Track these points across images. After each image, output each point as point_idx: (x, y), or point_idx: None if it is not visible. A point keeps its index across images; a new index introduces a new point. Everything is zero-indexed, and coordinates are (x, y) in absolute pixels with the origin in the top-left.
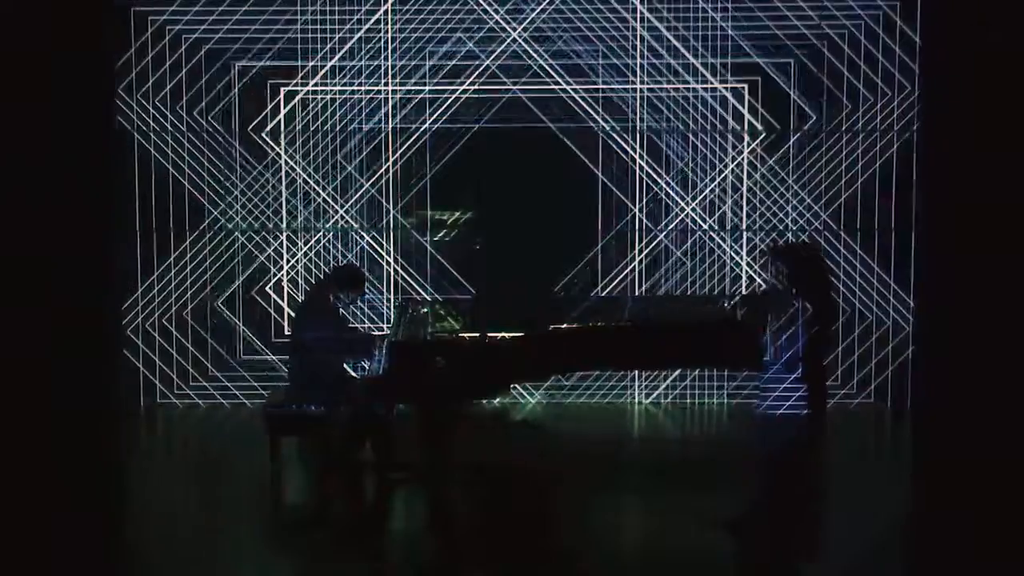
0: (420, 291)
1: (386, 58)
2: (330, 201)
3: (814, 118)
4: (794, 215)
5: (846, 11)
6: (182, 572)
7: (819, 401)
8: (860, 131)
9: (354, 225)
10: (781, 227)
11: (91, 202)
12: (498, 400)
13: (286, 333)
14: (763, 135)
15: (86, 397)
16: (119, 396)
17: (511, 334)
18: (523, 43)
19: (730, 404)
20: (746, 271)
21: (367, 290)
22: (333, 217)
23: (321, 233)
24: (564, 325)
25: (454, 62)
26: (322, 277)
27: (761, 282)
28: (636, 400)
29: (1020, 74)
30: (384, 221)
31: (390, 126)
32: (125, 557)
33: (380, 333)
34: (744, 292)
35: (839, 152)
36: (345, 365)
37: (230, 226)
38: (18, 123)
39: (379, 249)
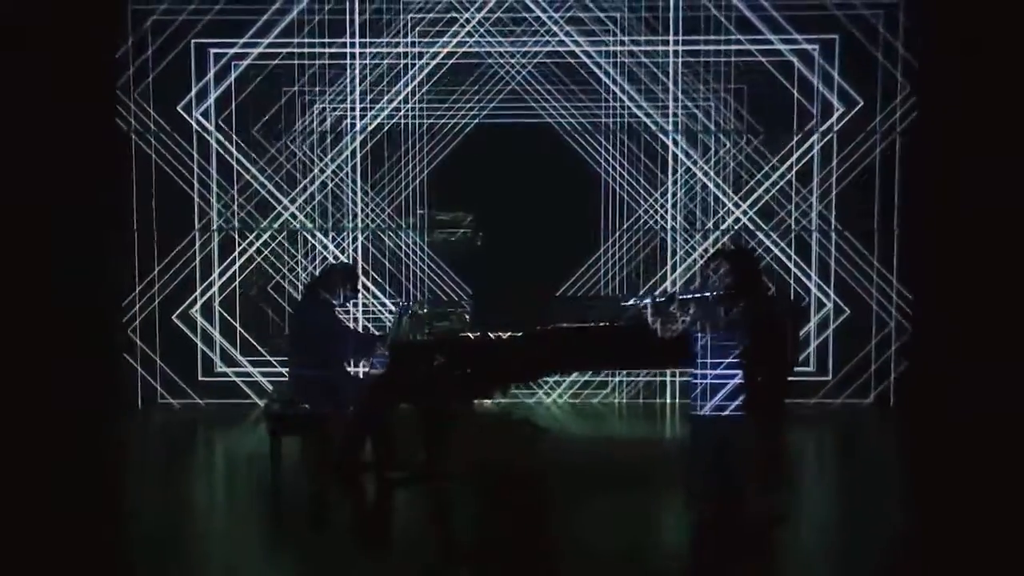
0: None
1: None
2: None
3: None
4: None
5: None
6: (182, 572)
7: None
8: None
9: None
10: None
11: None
12: (498, 400)
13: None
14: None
15: (86, 397)
16: (119, 396)
17: (509, 334)
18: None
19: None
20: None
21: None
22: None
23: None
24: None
25: (449, 48)
26: (317, 276)
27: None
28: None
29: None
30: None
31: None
32: (124, 557)
33: (380, 333)
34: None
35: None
36: (345, 365)
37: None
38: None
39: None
